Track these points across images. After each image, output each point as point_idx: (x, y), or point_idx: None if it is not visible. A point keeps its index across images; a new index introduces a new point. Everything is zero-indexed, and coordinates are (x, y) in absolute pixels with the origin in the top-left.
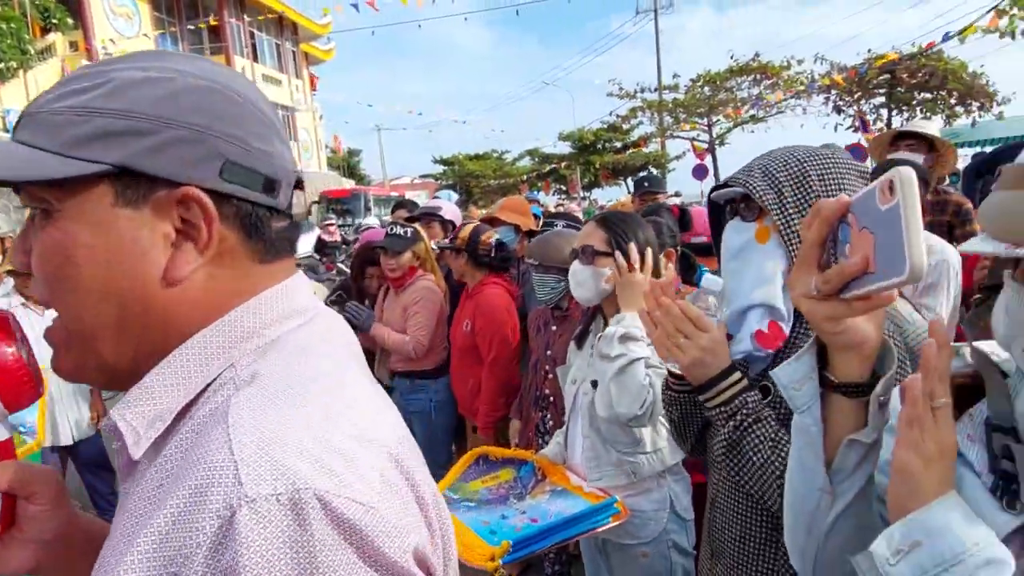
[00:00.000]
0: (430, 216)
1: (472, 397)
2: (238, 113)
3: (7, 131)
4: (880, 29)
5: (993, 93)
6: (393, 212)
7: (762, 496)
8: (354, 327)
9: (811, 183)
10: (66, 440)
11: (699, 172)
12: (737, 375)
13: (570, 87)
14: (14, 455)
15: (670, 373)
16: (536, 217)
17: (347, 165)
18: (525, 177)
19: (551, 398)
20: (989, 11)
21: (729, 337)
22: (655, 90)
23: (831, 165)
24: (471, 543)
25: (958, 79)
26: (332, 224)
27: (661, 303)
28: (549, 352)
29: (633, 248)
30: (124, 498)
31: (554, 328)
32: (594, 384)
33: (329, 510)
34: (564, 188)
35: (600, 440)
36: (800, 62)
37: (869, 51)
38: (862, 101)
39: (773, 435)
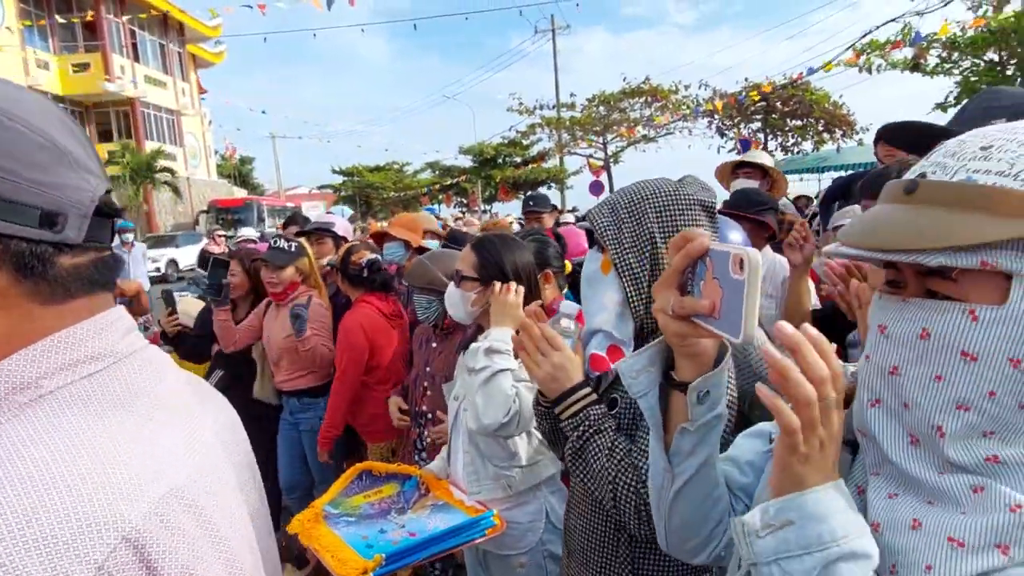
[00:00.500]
0: (323, 232)
1: (353, 415)
2: (5, 140)
3: None
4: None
5: (853, 122)
6: (284, 227)
7: (601, 498)
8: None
9: (648, 221)
10: None
11: (595, 188)
12: (585, 391)
13: (471, 101)
14: None
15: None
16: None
17: (239, 173)
18: (426, 189)
19: (429, 415)
20: (847, 48)
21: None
22: (553, 107)
23: (670, 203)
24: (345, 558)
25: (822, 108)
26: (220, 234)
27: (523, 324)
28: (428, 368)
29: (505, 279)
30: None
31: (434, 345)
32: None
33: None
34: (465, 201)
35: (479, 455)
36: (687, 87)
37: (747, 80)
38: (742, 125)
39: (610, 444)
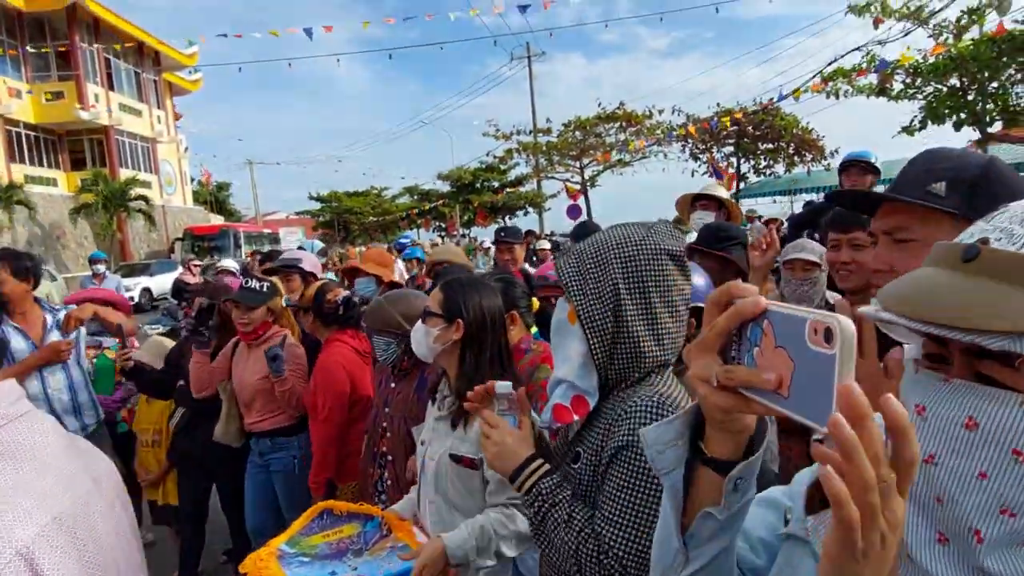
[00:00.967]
0: (290, 269)
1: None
2: None
3: None
4: (731, 84)
5: (822, 146)
6: (261, 264)
7: (567, 570)
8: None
9: (612, 271)
10: None
11: (573, 212)
12: (534, 465)
13: (449, 126)
14: None
15: None
16: (419, 261)
17: (216, 200)
18: (404, 214)
19: (389, 456)
20: (815, 75)
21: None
22: (530, 132)
23: (635, 253)
24: None
25: (792, 133)
26: (195, 264)
27: (482, 415)
28: (387, 409)
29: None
30: None
31: (392, 385)
32: (453, 459)
33: None
34: (443, 226)
35: (446, 504)
36: (660, 111)
37: (719, 105)
38: (714, 150)
39: (567, 515)
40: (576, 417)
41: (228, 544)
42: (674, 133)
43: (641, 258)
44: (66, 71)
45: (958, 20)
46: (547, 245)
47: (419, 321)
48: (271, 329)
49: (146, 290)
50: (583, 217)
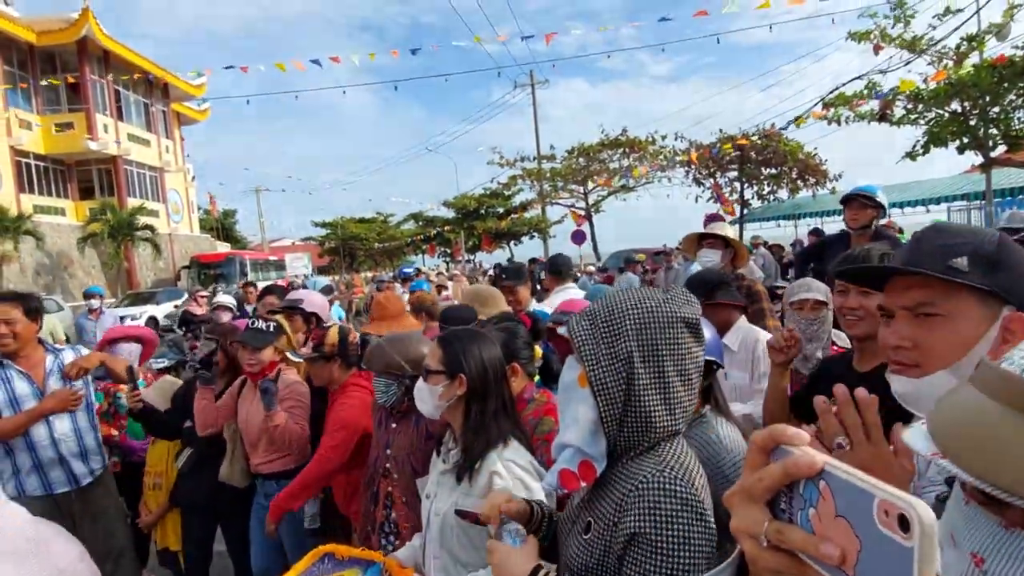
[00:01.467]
0: (293, 310)
1: (348, 499)
2: None
3: None
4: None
5: (825, 171)
6: (260, 300)
7: None
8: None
9: (627, 337)
10: None
11: (578, 237)
12: (541, 574)
13: (454, 152)
14: None
15: None
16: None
17: (222, 227)
18: (409, 240)
19: (402, 498)
20: (817, 102)
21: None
22: (534, 159)
23: (651, 320)
24: None
25: (795, 158)
26: (202, 295)
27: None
28: (389, 450)
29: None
30: None
31: (393, 425)
32: (459, 514)
33: None
34: (449, 252)
35: (452, 561)
36: (663, 137)
37: (721, 131)
38: (718, 175)
39: None
40: (583, 484)
41: None
42: (677, 159)
43: (657, 326)
44: (76, 103)
45: (957, 47)
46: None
47: (420, 380)
48: (277, 367)
49: (152, 319)
50: (587, 243)
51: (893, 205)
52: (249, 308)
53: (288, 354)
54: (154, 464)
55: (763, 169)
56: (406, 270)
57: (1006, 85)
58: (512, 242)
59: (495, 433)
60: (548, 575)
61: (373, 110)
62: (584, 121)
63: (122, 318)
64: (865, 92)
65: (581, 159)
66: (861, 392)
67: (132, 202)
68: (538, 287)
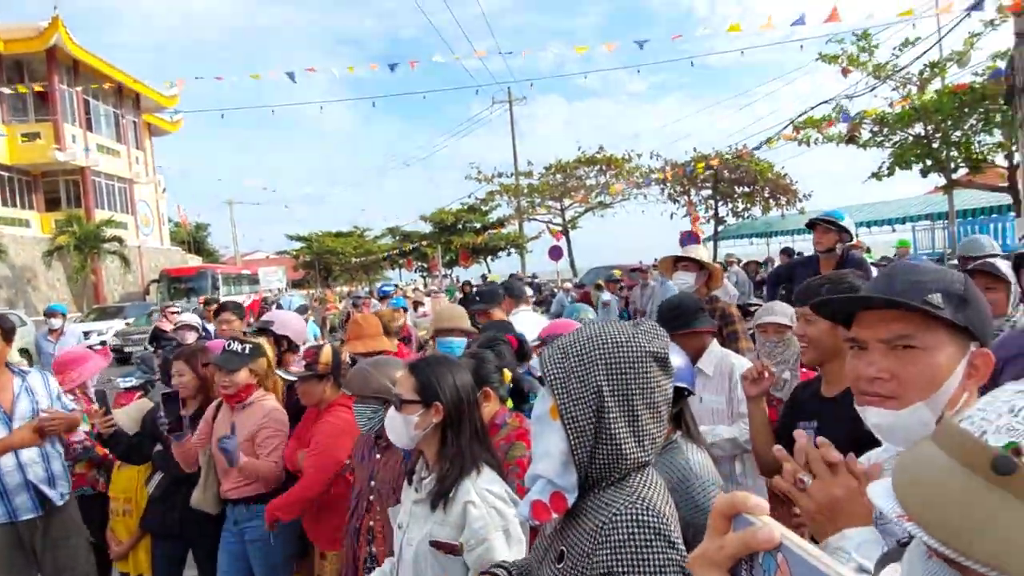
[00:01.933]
0: (267, 332)
1: (315, 521)
2: None
3: None
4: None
5: (796, 191)
6: (216, 316)
7: None
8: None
9: (597, 372)
10: None
11: (555, 253)
12: None
13: (432, 167)
14: None
15: None
16: (404, 310)
17: (194, 240)
18: (386, 255)
19: (375, 532)
20: (787, 125)
21: None
22: (511, 175)
23: (621, 355)
24: None
25: (766, 178)
26: (174, 310)
27: None
28: (373, 482)
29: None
30: None
31: (378, 456)
32: (434, 544)
33: None
34: (426, 266)
35: None
36: (639, 155)
37: (695, 150)
38: (692, 193)
39: None
40: (555, 515)
41: None
42: (652, 177)
43: (626, 361)
44: (44, 112)
45: (921, 73)
46: (528, 292)
47: (391, 410)
48: (255, 392)
49: (119, 334)
50: (565, 259)
51: (861, 224)
52: (167, 327)
53: (280, 373)
54: (122, 490)
55: (736, 188)
56: (385, 288)
57: (967, 110)
58: (489, 257)
59: (469, 460)
60: None
61: (351, 123)
62: (562, 137)
63: (86, 333)
64: (833, 115)
65: (558, 175)
66: (804, 441)
67: (100, 214)
68: None
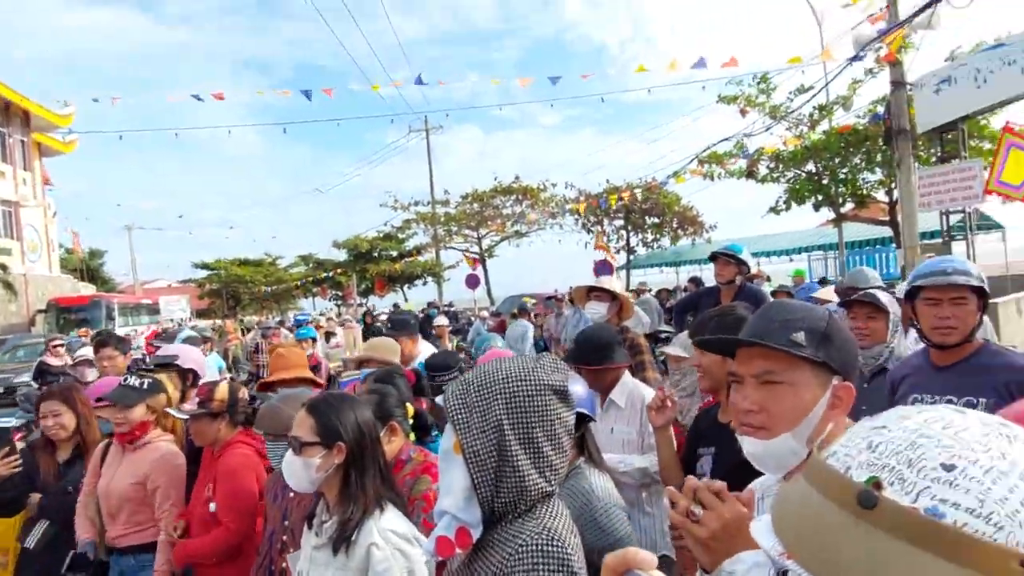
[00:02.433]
0: (167, 367)
1: (217, 565)
2: None
3: None
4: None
5: (702, 222)
6: (96, 352)
7: None
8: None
9: (496, 406)
10: None
11: (471, 281)
12: None
13: (347, 193)
14: None
15: None
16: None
17: (87, 267)
18: (299, 283)
19: (289, 572)
20: (692, 160)
21: None
22: (428, 203)
23: (520, 389)
24: None
25: (674, 210)
26: (59, 344)
27: None
28: (286, 522)
29: None
30: None
31: (291, 495)
32: None
33: None
34: (340, 295)
35: None
36: (554, 185)
37: (608, 181)
38: (605, 223)
39: None
40: (459, 550)
41: None
42: (567, 207)
43: (525, 394)
44: None
45: (811, 115)
46: (444, 321)
47: (289, 453)
48: (151, 431)
49: None
50: (482, 287)
51: (761, 254)
52: (54, 361)
53: (171, 411)
54: None
55: (647, 219)
56: (299, 318)
57: (851, 150)
58: (406, 286)
59: (373, 500)
60: None
61: (261, 148)
62: (479, 166)
63: None
64: (734, 152)
65: (475, 204)
66: (693, 480)
67: None
68: (432, 331)
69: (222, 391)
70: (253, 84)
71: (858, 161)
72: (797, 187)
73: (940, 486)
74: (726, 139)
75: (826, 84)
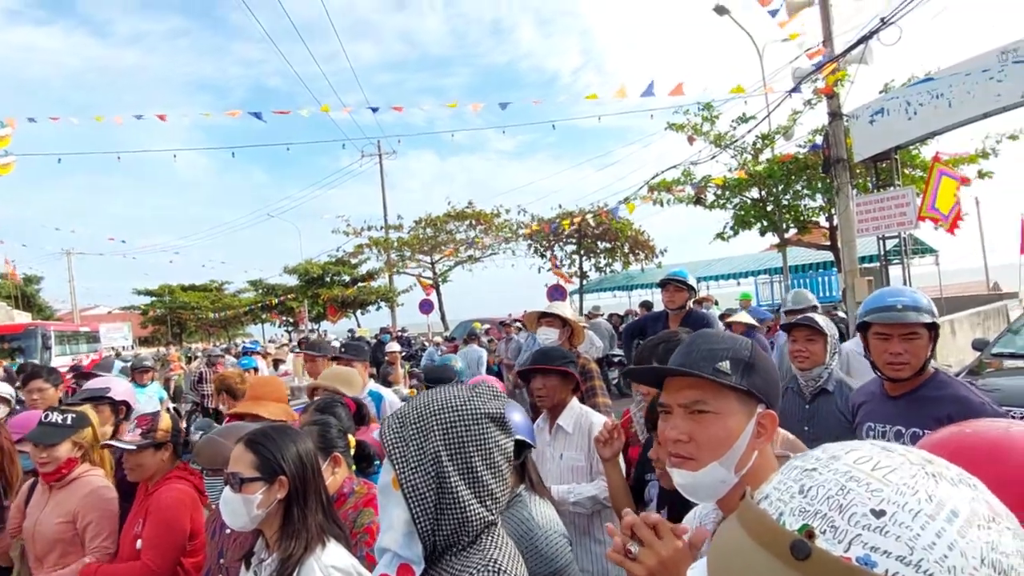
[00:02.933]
0: (98, 400)
1: None
2: None
3: None
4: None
5: (653, 246)
6: (26, 385)
7: None
8: None
9: (434, 438)
10: None
11: (425, 307)
12: None
13: (298, 217)
14: None
15: None
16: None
17: (23, 294)
18: (248, 309)
19: None
20: (642, 186)
21: None
22: (381, 228)
23: (457, 419)
24: None
25: (625, 235)
26: None
27: None
28: (222, 560)
29: None
30: None
31: (228, 532)
32: None
33: None
34: (292, 320)
35: None
36: (508, 211)
37: (560, 207)
38: (557, 247)
39: None
40: None
41: None
42: (520, 231)
43: (462, 424)
44: None
45: (754, 144)
46: (397, 348)
47: (227, 490)
48: (78, 466)
49: None
50: (436, 312)
51: (710, 278)
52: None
53: (115, 443)
54: None
55: (599, 243)
56: (247, 347)
57: (793, 177)
58: (359, 311)
59: (315, 535)
60: None
61: (209, 172)
62: (432, 191)
63: None
64: (682, 179)
65: (428, 229)
66: (630, 517)
67: None
68: (385, 359)
69: (165, 421)
70: (205, 107)
71: (800, 188)
72: (743, 213)
73: (871, 533)
74: (674, 167)
75: (768, 114)
